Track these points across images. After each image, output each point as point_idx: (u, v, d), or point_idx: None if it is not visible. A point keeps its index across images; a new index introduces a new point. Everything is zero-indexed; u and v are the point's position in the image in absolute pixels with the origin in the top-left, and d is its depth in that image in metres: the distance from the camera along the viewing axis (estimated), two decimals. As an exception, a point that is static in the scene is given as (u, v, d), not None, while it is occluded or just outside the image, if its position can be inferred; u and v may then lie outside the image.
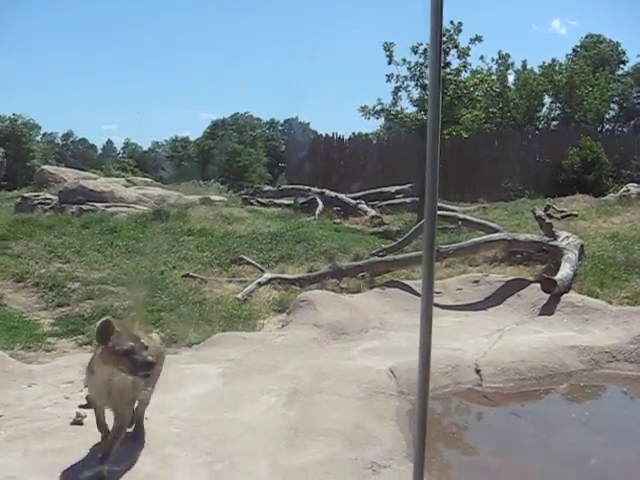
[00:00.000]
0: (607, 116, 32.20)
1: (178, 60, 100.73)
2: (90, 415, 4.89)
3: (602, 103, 29.80)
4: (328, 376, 6.01)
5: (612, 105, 32.27)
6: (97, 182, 17.30)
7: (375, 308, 8.62)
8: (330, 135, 26.84)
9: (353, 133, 27.38)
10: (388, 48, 16.01)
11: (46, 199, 16.25)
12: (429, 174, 2.24)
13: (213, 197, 18.06)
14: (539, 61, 38.13)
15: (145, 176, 29.91)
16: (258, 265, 10.37)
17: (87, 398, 5.21)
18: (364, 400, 5.50)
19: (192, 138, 49.07)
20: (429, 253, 2.28)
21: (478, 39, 16.03)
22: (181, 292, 9.21)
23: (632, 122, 32.60)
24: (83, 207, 15.00)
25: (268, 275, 9.76)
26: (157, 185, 20.80)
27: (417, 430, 2.36)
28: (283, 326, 7.83)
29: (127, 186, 18.40)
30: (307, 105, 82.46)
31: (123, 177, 23.87)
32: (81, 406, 5.14)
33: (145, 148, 68.36)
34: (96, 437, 4.40)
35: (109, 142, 77.22)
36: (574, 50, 34.34)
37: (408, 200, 17.44)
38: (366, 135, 28.60)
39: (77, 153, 68.38)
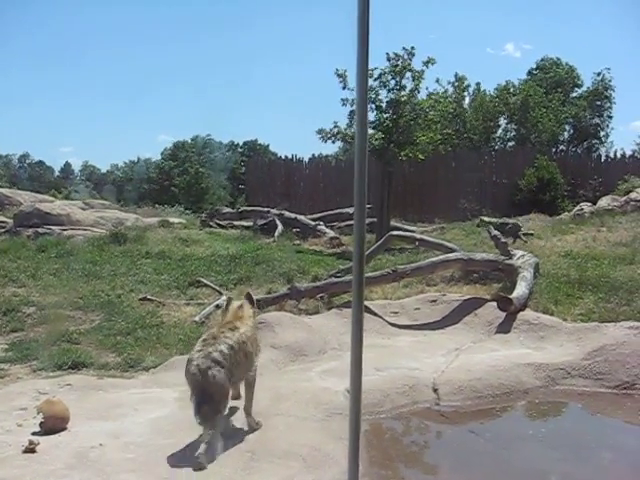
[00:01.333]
0: (561, 137, 32.82)
1: (135, 82, 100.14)
2: (43, 442, 4.82)
3: (556, 125, 30.41)
4: (286, 398, 5.99)
5: (566, 127, 32.92)
6: (53, 205, 17.07)
7: (333, 329, 8.62)
8: (290, 157, 26.96)
9: (313, 155, 27.50)
10: (341, 74, 16.16)
11: (1, 222, 16.00)
12: (357, 191, 2.27)
13: (172, 219, 17.95)
14: (494, 83, 38.80)
15: (103, 198, 29.61)
16: (216, 287, 10.33)
17: (41, 425, 5.14)
18: (322, 422, 5.49)
19: (152, 160, 48.96)
20: (358, 272, 2.30)
21: (431, 62, 16.25)
22: (138, 315, 9.12)
23: (585, 143, 33.28)
24: (39, 230, 14.79)
25: (226, 297, 9.70)
26: (115, 208, 20.61)
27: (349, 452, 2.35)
28: (241, 348, 7.78)
29: (84, 209, 18.19)
30: (267, 128, 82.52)
31: (80, 200, 23.56)
32: (34, 433, 5.05)
33: (103, 170, 67.88)
34: (48, 465, 4.33)
35: (67, 164, 76.42)
36: (530, 72, 35.00)
37: (368, 221, 17.50)
38: (325, 157, 28.76)
39: (34, 175, 67.42)
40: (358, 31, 2.16)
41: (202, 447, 4.65)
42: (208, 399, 4.84)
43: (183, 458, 4.68)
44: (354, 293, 2.33)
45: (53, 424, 5.20)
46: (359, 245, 2.31)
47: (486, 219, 16.32)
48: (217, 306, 9.39)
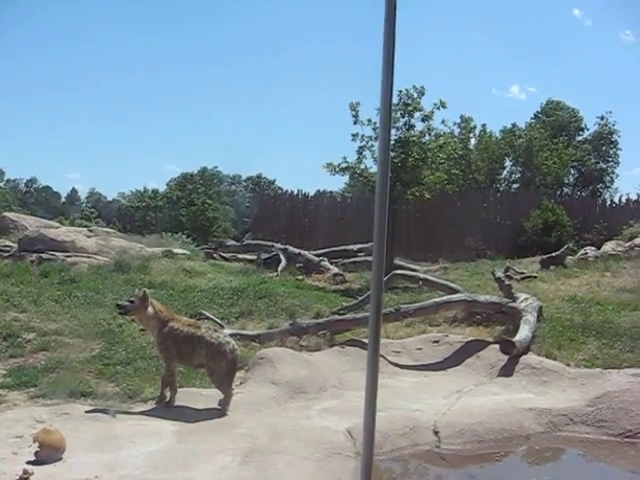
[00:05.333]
0: (566, 180, 32.94)
1: (144, 111, 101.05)
2: (38, 472, 4.76)
3: (561, 168, 30.54)
4: (285, 436, 5.93)
5: (571, 170, 33.06)
6: (58, 231, 17.08)
7: (334, 367, 8.57)
8: (295, 192, 27.04)
9: (318, 190, 27.54)
10: (354, 108, 16.30)
11: (5, 246, 15.99)
12: (376, 232, 2.26)
13: (176, 250, 17.92)
14: (499, 125, 39.11)
15: (109, 226, 29.69)
16: (218, 320, 10.28)
17: (36, 454, 5.08)
18: (321, 461, 5.43)
19: (159, 190, 49.26)
20: (376, 313, 2.28)
21: (442, 104, 16.41)
22: (139, 346, 9.07)
23: (590, 187, 33.39)
24: (43, 256, 14.76)
25: (227, 331, 9.64)
26: (119, 236, 20.64)
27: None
28: (241, 383, 7.73)
29: (89, 236, 18.20)
30: (273, 161, 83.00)
31: (86, 227, 23.62)
32: (29, 462, 5.00)
33: (110, 198, 68.14)
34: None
35: (73, 190, 76.77)
36: (535, 116, 35.27)
37: (370, 258, 17.44)
38: (330, 192, 28.82)
39: (40, 200, 67.72)
40: (383, 68, 2.17)
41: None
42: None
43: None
44: (370, 332, 2.31)
45: (49, 454, 5.15)
46: (377, 286, 2.28)
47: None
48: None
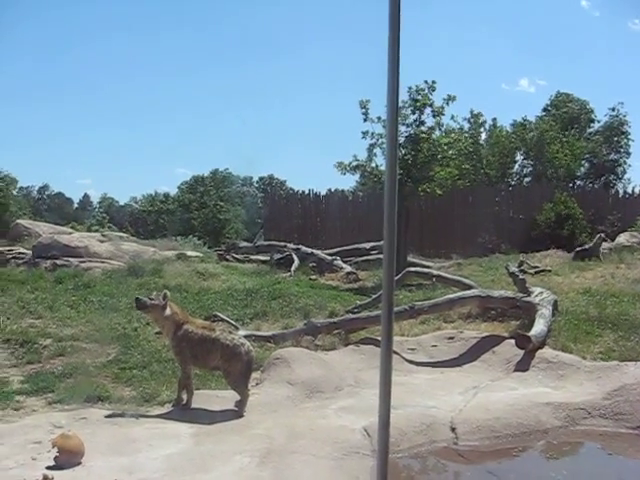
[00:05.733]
0: (578, 173, 32.79)
1: (153, 115, 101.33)
2: (57, 477, 4.79)
3: (573, 160, 30.40)
4: (302, 436, 5.94)
5: (583, 162, 32.90)
6: (72, 237, 17.20)
7: (350, 365, 8.57)
8: (306, 192, 27.06)
9: (329, 189, 27.53)
10: (364, 105, 16.27)
11: (20, 253, 16.10)
12: (386, 230, 2.26)
13: (189, 253, 17.99)
14: (509, 119, 38.94)
15: (122, 231, 29.81)
16: (232, 322, 10.30)
17: (55, 459, 5.11)
18: (338, 460, 5.43)
19: (170, 193, 49.36)
20: (388, 308, 2.28)
21: (452, 99, 16.35)
22: (154, 349, 9.10)
23: (602, 178, 33.23)
24: (57, 262, 14.87)
25: (242, 332, 9.66)
26: (132, 240, 20.73)
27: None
28: (257, 384, 7.74)
29: (102, 241, 18.30)
30: (284, 162, 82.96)
31: (99, 232, 23.74)
32: (48, 467, 5.03)
33: (122, 203, 68.41)
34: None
35: (85, 196, 77.14)
36: (545, 109, 35.12)
37: (383, 256, 17.46)
38: (342, 191, 28.81)
39: (53, 207, 68.13)
40: (389, 66, 2.17)
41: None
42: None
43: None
44: (383, 330, 2.31)
45: (68, 458, 5.18)
46: (389, 282, 2.28)
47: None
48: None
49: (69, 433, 5.41)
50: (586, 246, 16.24)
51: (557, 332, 9.53)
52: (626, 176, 34.39)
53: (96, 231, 24.16)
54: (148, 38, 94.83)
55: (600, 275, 13.64)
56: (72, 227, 26.24)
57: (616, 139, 33.20)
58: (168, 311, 6.92)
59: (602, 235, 17.23)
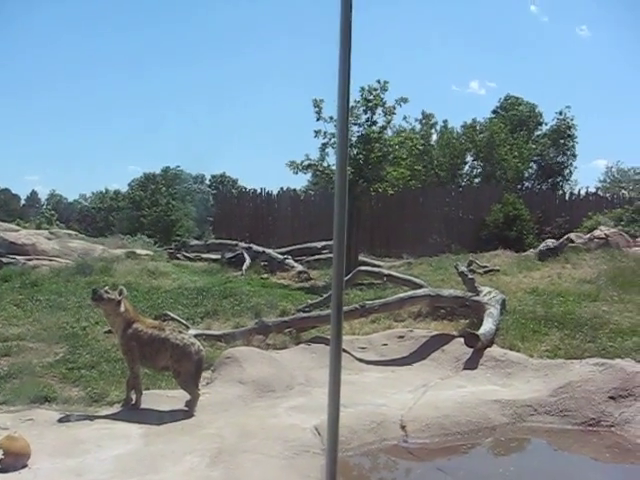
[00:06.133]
0: (526, 174, 33.33)
1: (104, 111, 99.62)
2: (3, 479, 4.69)
3: (521, 162, 30.89)
4: (253, 435, 5.93)
5: (531, 164, 33.45)
6: (18, 234, 16.83)
7: (301, 364, 8.59)
8: (258, 190, 26.97)
9: (281, 188, 27.46)
10: (317, 104, 16.25)
11: (-37, 251, 15.70)
12: (336, 230, 2.26)
13: (139, 251, 17.77)
14: (460, 120, 39.34)
15: (70, 228, 29.26)
16: (183, 321, 10.22)
17: (1, 461, 5.01)
18: (289, 459, 5.44)
19: (121, 191, 48.60)
20: (337, 306, 2.29)
21: (404, 100, 16.44)
22: (103, 349, 8.98)
23: (549, 180, 33.84)
24: (3, 260, 14.54)
25: (193, 331, 9.58)
26: (81, 238, 20.39)
27: None
28: (207, 383, 7.70)
29: (50, 239, 17.96)
30: (236, 160, 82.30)
31: (46, 229, 23.27)
32: (-7, 471, 4.93)
33: (70, 199, 67.12)
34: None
35: (33, 193, 75.50)
36: (494, 111, 35.61)
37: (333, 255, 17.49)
38: (294, 190, 28.75)
39: (-1, 203, 66.56)
40: (340, 65, 2.17)
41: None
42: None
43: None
44: (332, 329, 2.32)
45: (13, 461, 5.09)
46: (338, 280, 2.29)
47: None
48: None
49: (15, 435, 5.32)
50: (550, 245, 16.43)
51: (505, 331, 9.70)
52: (572, 177, 35.13)
53: (45, 229, 23.67)
54: (99, 35, 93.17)
55: (547, 275, 13.89)
56: (18, 224, 25.65)
57: (563, 142, 33.83)
58: (122, 308, 6.85)
59: (570, 236, 17.50)
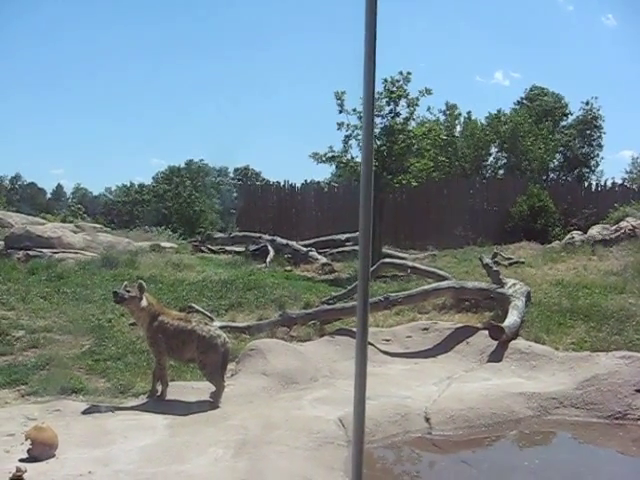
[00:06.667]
0: (551, 165, 33.04)
1: (128, 105, 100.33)
2: (31, 469, 4.76)
3: (546, 153, 30.61)
4: (277, 426, 5.95)
5: (556, 155, 33.15)
6: (45, 228, 16.99)
7: (325, 356, 8.60)
8: (282, 183, 27.00)
9: (305, 180, 27.48)
10: (339, 97, 16.25)
11: (-9, 244, 15.89)
12: (362, 221, 2.26)
13: (163, 244, 17.87)
14: (484, 111, 39.13)
15: (95, 221, 29.51)
16: (207, 313, 10.28)
17: (29, 452, 5.08)
18: (313, 450, 5.45)
19: (145, 184, 48.93)
20: (363, 297, 2.29)
21: (427, 91, 16.39)
22: (129, 340, 9.06)
23: (575, 171, 33.54)
24: (30, 253, 14.68)
25: (217, 323, 9.65)
26: (106, 231, 20.55)
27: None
28: (232, 375, 7.74)
29: (76, 232, 18.11)
30: (260, 153, 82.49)
31: (72, 222, 23.48)
32: (22, 460, 4.99)
33: (96, 193, 67.67)
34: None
35: (59, 186, 76.19)
36: (519, 102, 35.32)
37: (358, 247, 17.49)
38: (317, 183, 28.75)
39: (26, 197, 67.15)
40: (365, 57, 2.16)
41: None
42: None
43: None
44: (358, 321, 2.31)
45: (41, 451, 5.15)
46: (364, 273, 2.29)
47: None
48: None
49: (43, 425, 5.37)
50: (577, 238, 16.27)
51: (530, 323, 9.64)
52: (599, 169, 34.80)
53: (70, 222, 23.88)
54: (124, 28, 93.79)
55: (573, 267, 13.78)
56: (44, 217, 25.91)
57: (589, 132, 33.51)
58: (144, 302, 6.90)
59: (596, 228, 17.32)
